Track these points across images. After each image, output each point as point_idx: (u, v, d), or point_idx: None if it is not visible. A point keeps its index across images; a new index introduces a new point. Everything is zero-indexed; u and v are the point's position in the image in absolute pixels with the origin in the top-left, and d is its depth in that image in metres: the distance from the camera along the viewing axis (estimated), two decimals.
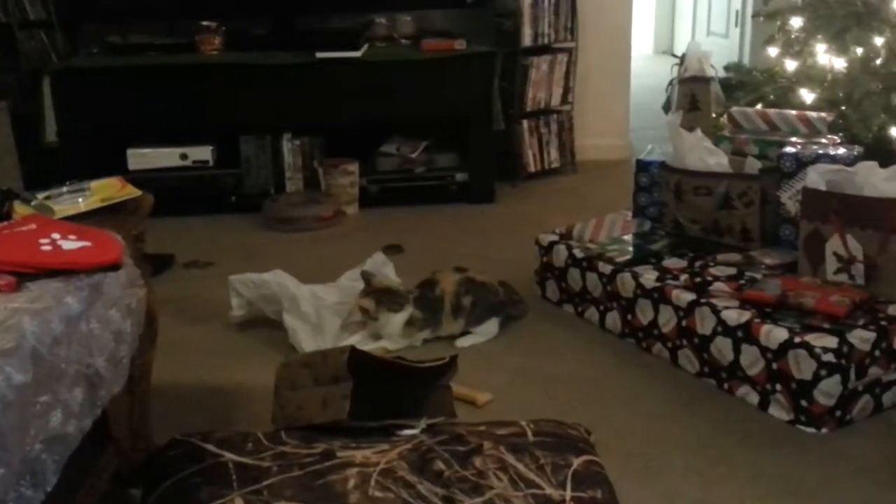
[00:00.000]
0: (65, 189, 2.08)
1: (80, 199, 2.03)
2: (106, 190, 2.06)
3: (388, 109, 4.45)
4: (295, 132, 4.54)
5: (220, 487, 2.05)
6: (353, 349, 2.23)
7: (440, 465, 2.10)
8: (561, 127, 4.92)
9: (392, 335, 2.98)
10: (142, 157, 4.49)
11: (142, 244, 2.18)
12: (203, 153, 4.52)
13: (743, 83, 3.65)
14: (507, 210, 4.50)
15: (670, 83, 3.47)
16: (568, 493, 2.03)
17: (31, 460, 1.42)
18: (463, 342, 3.03)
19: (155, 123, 4.48)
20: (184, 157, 4.51)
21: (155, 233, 4.26)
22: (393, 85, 4.43)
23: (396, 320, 2.96)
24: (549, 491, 2.04)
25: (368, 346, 2.88)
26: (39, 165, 4.55)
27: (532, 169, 4.85)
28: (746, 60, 4.91)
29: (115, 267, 1.75)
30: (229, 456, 2.17)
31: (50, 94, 4.51)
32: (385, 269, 3.27)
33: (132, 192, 2.06)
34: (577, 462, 2.14)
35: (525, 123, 4.79)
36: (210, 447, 2.21)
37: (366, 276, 3.06)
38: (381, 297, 2.97)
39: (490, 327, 3.06)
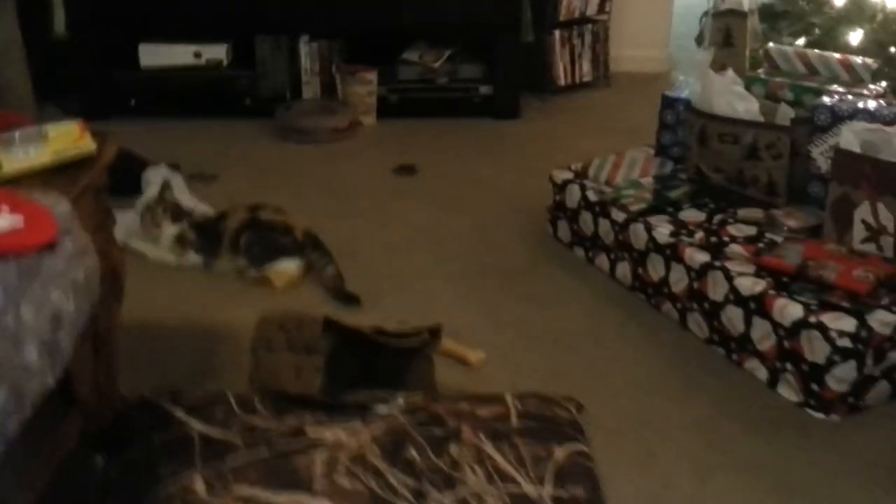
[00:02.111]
0: (16, 135, 1.91)
1: (31, 150, 1.87)
2: (62, 140, 1.89)
3: (410, 15, 4.21)
4: (313, 34, 4.32)
5: (182, 463, 1.97)
6: (326, 319, 2.10)
7: (413, 452, 1.99)
8: (595, 38, 4.64)
9: (162, 245, 3.02)
10: (154, 54, 4.31)
11: (102, 196, 2.03)
12: (217, 52, 4.33)
13: (787, 12, 3.34)
14: (533, 128, 4.27)
15: (704, 13, 3.19)
16: (547, 491, 1.92)
17: None
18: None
19: (169, 18, 4.26)
20: (198, 55, 4.32)
21: (164, 136, 4.19)
22: None
23: (169, 231, 3.01)
24: (526, 488, 1.93)
25: (140, 247, 3.04)
26: (48, 60, 4.40)
27: (562, 83, 4.60)
28: None
29: (50, 246, 1.61)
30: (196, 426, 2.08)
31: None
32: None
33: (88, 146, 1.89)
34: (560, 453, 2.02)
35: (557, 33, 4.52)
36: (178, 413, 2.13)
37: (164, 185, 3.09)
38: (168, 206, 3.05)
39: (284, 265, 2.94)
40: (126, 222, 3.05)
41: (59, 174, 1.89)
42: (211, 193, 3.51)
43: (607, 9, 4.65)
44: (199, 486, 1.88)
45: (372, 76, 4.23)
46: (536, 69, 4.51)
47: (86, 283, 1.75)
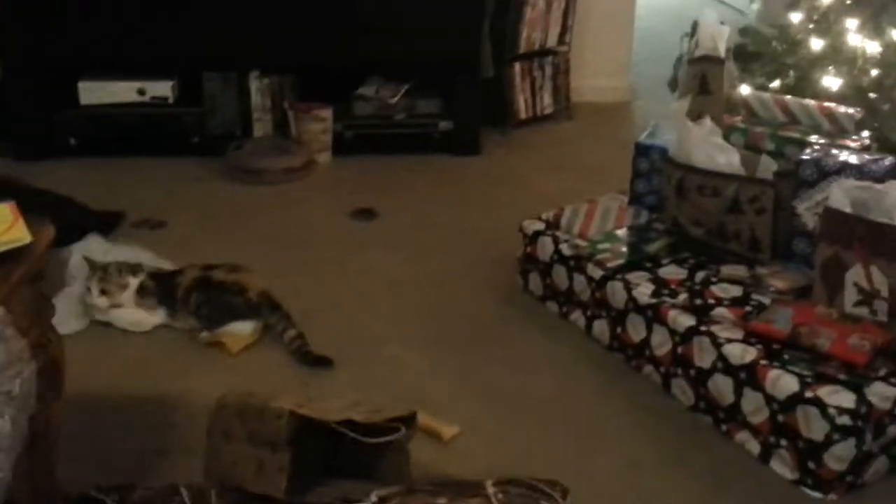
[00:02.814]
0: None
1: None
2: None
3: (365, 50, 4.02)
4: (263, 70, 4.12)
5: None
6: (291, 414, 1.92)
7: None
8: (556, 70, 4.50)
9: (127, 306, 2.81)
10: (95, 91, 4.08)
11: (39, 284, 1.83)
12: (163, 89, 4.11)
13: (760, 53, 3.23)
14: (494, 165, 4.11)
15: (678, 59, 3.06)
16: None
17: None
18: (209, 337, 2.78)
19: (110, 53, 4.03)
20: (141, 92, 4.10)
21: (107, 178, 3.96)
22: (371, 21, 3.99)
23: (132, 283, 2.81)
24: None
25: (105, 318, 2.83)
26: None
27: (523, 115, 4.45)
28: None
29: None
30: None
31: None
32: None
33: (21, 236, 1.69)
34: None
35: (517, 66, 4.36)
36: None
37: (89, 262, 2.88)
38: (121, 265, 2.85)
39: (238, 328, 2.77)
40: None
41: None
42: (159, 242, 3.31)
43: (567, 39, 4.51)
44: None
45: (326, 113, 4.05)
46: (496, 103, 4.36)
47: (22, 394, 1.56)
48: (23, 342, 1.58)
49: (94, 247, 3.15)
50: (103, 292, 2.78)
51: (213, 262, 2.91)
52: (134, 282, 2.81)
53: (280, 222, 3.55)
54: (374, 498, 1.95)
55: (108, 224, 3.45)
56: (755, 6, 6.21)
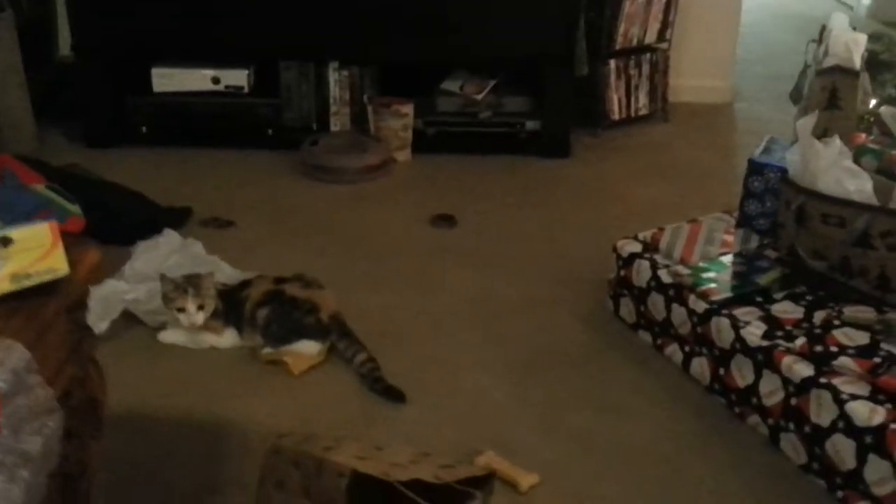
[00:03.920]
0: None
1: None
2: (26, 254, 1.48)
3: (450, 47, 3.79)
4: (343, 61, 3.90)
5: None
6: (354, 473, 1.69)
7: None
8: (654, 68, 4.19)
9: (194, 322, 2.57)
10: (168, 78, 3.91)
11: (79, 314, 1.62)
12: (238, 78, 3.92)
13: (894, 63, 2.89)
14: (585, 170, 3.83)
15: (805, 67, 2.75)
16: None
17: None
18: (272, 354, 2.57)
19: (185, 39, 3.85)
20: (216, 80, 3.92)
21: (176, 169, 3.80)
22: (459, 13, 3.75)
23: (199, 308, 2.57)
24: None
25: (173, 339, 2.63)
26: (52, 83, 4.03)
27: (616, 116, 4.15)
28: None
29: None
30: None
31: (64, 1, 3.91)
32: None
33: (58, 266, 1.48)
34: None
35: (612, 63, 4.07)
36: None
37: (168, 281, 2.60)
38: (206, 277, 2.62)
39: (304, 348, 2.54)
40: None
41: (24, 299, 1.48)
42: (225, 242, 3.12)
43: (668, 36, 4.20)
44: None
45: (408, 109, 3.81)
46: (588, 102, 4.08)
47: (44, 451, 1.35)
48: (49, 391, 1.37)
49: (166, 245, 2.99)
50: (201, 308, 2.57)
51: (285, 275, 2.70)
52: (201, 303, 2.59)
53: (354, 227, 3.34)
54: None
55: (175, 220, 3.28)
56: (865, 1, 5.81)
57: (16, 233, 1.50)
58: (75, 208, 2.94)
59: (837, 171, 2.32)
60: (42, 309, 1.47)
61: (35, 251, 1.49)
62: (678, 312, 2.52)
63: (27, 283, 1.45)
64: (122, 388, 2.25)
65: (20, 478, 1.29)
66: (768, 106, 4.49)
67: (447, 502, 1.77)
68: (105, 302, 2.65)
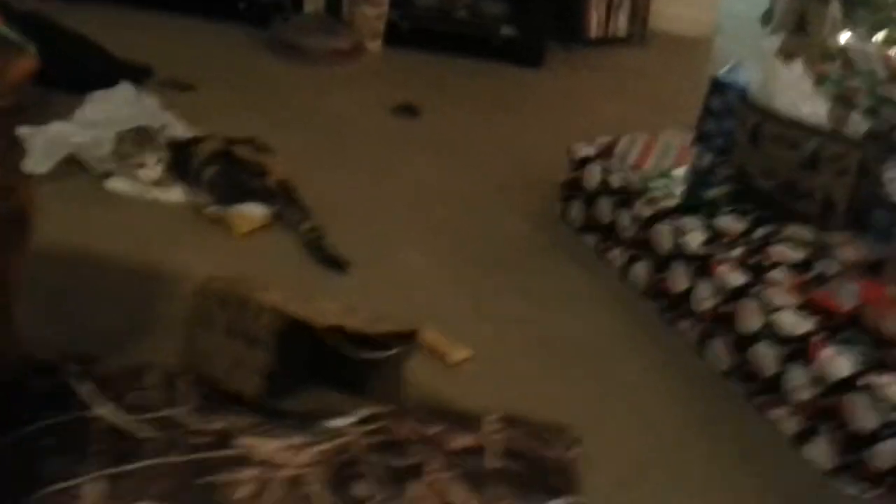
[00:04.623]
0: None
1: None
2: None
3: None
4: None
5: (73, 461, 1.57)
6: (273, 310, 1.69)
7: (363, 487, 1.60)
8: None
9: (144, 179, 2.55)
10: None
11: (9, 122, 1.59)
12: None
13: (869, 1, 2.89)
14: (556, 82, 3.82)
15: None
16: None
17: None
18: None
19: None
20: None
21: (142, 30, 3.72)
22: None
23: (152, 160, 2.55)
24: None
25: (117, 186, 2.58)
26: None
27: (593, 34, 4.13)
28: None
29: None
30: (101, 411, 1.68)
31: None
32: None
33: None
34: None
35: None
36: (84, 389, 1.72)
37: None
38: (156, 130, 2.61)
39: (249, 210, 2.52)
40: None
41: None
42: (182, 105, 3.07)
43: None
44: (86, 498, 1.49)
45: None
46: (567, 16, 4.04)
47: None
48: None
49: (120, 96, 2.94)
50: (158, 162, 2.55)
51: (238, 136, 2.67)
52: (153, 156, 2.57)
53: (315, 106, 3.30)
54: (357, 416, 1.74)
55: (134, 76, 3.22)
56: None
57: None
58: (29, 48, 2.87)
59: (795, 94, 2.33)
60: None
61: None
62: (624, 217, 2.53)
63: None
64: (61, 229, 2.25)
65: None
66: (751, 44, 4.47)
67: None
68: (50, 143, 2.62)
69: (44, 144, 2.60)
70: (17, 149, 1.61)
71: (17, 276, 1.70)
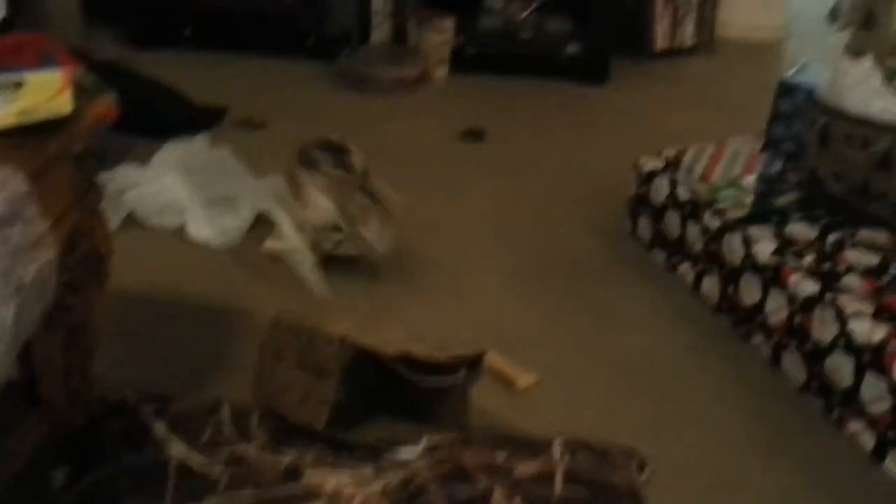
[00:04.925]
0: None
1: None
2: (37, 94, 1.52)
3: None
4: None
5: (150, 499, 1.62)
6: (342, 341, 1.72)
7: None
8: None
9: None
10: None
11: (87, 164, 1.66)
12: None
13: None
14: (622, 98, 3.80)
15: None
16: None
17: None
18: None
19: None
20: None
21: (217, 72, 3.83)
22: None
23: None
24: None
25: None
26: None
27: (660, 46, 4.10)
28: None
29: None
30: (176, 450, 1.73)
31: None
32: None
33: (61, 106, 1.51)
34: None
35: None
36: (159, 428, 1.79)
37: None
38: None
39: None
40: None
41: (28, 136, 1.53)
42: (253, 143, 3.15)
43: None
44: None
45: (448, 23, 3.80)
46: (632, 29, 4.03)
47: (36, 283, 1.40)
48: (45, 225, 1.42)
49: (193, 148, 3.03)
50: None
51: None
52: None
53: (384, 135, 3.35)
54: (423, 444, 1.76)
55: (209, 119, 3.32)
56: None
57: (29, 76, 1.56)
58: (108, 94, 2.98)
59: (864, 91, 2.28)
60: (44, 146, 1.51)
61: (45, 93, 1.54)
62: (693, 230, 2.50)
63: (31, 118, 1.49)
64: (133, 267, 2.32)
65: (12, 303, 1.34)
66: (818, 44, 4.38)
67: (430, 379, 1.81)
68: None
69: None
70: (94, 192, 1.67)
71: (95, 316, 1.78)
